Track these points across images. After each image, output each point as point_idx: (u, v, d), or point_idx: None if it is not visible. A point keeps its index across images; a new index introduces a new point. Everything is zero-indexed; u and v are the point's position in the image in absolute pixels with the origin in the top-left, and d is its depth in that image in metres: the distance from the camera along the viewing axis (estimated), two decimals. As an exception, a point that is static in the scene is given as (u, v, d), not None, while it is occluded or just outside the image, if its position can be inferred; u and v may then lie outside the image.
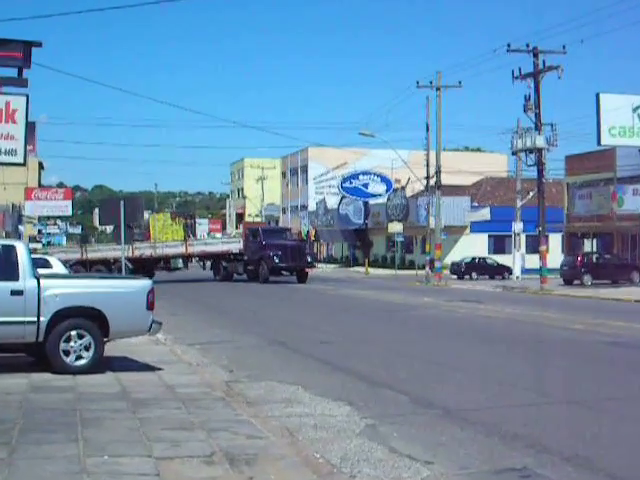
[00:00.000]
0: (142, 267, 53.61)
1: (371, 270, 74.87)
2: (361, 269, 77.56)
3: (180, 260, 66.58)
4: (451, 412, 12.02)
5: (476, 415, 11.80)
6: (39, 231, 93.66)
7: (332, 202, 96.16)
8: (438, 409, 12.28)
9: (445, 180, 58.69)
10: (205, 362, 17.15)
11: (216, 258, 60.38)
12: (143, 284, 15.35)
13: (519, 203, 58.84)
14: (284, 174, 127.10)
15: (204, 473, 8.44)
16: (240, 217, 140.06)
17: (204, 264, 65.82)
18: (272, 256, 53.76)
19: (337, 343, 21.32)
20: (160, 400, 12.32)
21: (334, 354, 18.96)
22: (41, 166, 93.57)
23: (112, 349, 16.10)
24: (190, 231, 63.86)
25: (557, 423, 11.35)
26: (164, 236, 60.30)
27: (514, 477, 8.67)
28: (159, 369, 15.53)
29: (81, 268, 53.94)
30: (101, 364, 14.86)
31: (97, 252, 58.59)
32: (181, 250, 59.27)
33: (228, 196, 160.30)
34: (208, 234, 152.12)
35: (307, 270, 56.67)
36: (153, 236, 60.96)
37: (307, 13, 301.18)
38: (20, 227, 76.27)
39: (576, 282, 51.04)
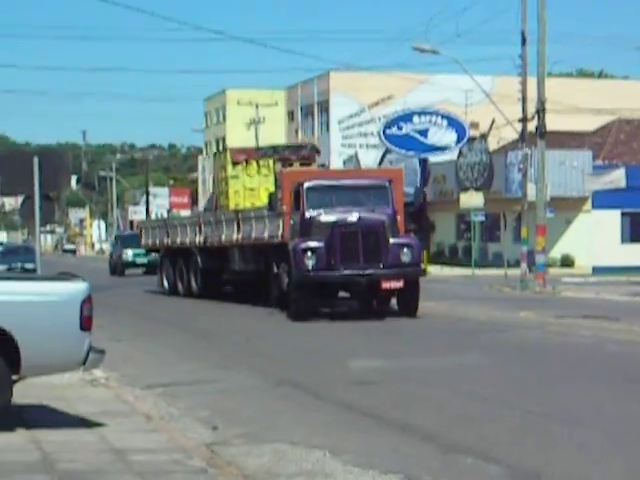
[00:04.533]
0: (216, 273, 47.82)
1: (433, 269, 73.91)
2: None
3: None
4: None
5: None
6: None
7: (369, 159, 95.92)
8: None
9: (552, 124, 58.55)
10: (174, 414, 17.25)
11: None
12: (74, 289, 15.36)
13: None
14: (291, 114, 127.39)
15: None
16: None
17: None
18: (306, 251, 35.15)
19: (383, 383, 21.36)
20: (105, 474, 12.38)
21: (379, 400, 19.03)
22: None
23: (26, 392, 16.16)
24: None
25: None
26: (244, 200, 46.62)
27: None
28: (100, 424, 15.64)
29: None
30: (9, 416, 14.94)
31: None
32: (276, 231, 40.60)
33: (201, 151, 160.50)
34: (169, 212, 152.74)
35: (399, 284, 35.55)
36: (222, 201, 49.11)
37: None
38: None
39: None
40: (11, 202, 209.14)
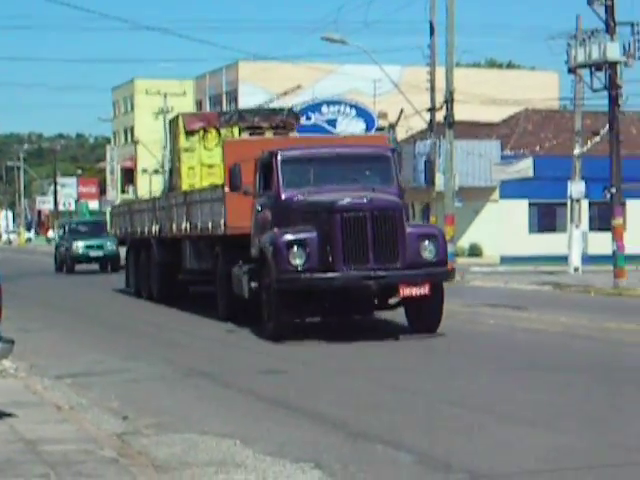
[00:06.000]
0: (170, 267, 38.03)
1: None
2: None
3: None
4: (484, 477, 12.17)
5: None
6: None
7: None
8: (461, 473, 12.43)
9: (460, 114, 58.90)
10: (83, 404, 17.21)
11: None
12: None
13: (578, 150, 59.24)
14: (199, 103, 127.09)
15: None
16: (129, 175, 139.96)
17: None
18: (292, 245, 25.19)
19: (290, 372, 21.45)
20: (15, 464, 12.32)
21: (289, 389, 19.10)
22: None
23: None
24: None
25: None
26: (201, 179, 36.95)
27: None
28: (10, 415, 15.58)
29: None
30: None
31: None
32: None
33: (109, 141, 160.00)
34: (76, 202, 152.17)
35: (423, 290, 25.22)
36: (175, 181, 39.63)
37: None
38: None
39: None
40: None
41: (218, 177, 33.91)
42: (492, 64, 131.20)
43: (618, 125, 48.83)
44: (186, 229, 33.58)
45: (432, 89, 58.85)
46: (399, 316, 27.73)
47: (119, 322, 33.32)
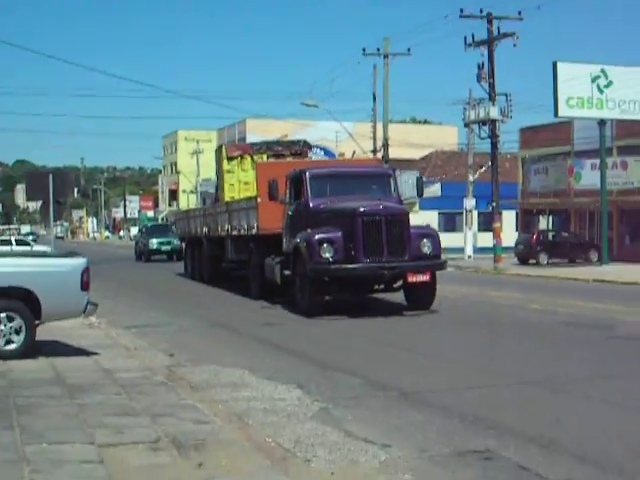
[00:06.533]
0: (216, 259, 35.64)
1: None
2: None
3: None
4: (406, 394, 12.20)
5: (432, 397, 11.99)
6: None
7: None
8: (393, 391, 12.45)
9: (393, 154, 58.98)
10: (143, 346, 17.17)
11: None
12: (77, 262, 15.29)
13: (471, 178, 59.41)
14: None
15: (151, 459, 8.49)
16: (173, 194, 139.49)
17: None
18: (322, 242, 22.98)
19: (281, 325, 21.45)
20: (98, 385, 12.33)
21: (280, 336, 19.10)
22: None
23: (44, 333, 16.03)
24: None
25: (517, 404, 11.56)
26: (238, 193, 34.56)
27: (477, 459, 8.83)
28: (95, 353, 15.53)
29: None
30: (33, 348, 14.82)
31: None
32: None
33: (160, 171, 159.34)
34: (138, 212, 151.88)
35: (425, 277, 23.49)
36: (220, 194, 36.44)
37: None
38: None
39: (532, 261, 51.69)
40: (33, 205, 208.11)
41: (251, 191, 31.73)
42: (414, 120, 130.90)
43: (497, 161, 49.05)
44: (228, 230, 31.81)
45: (374, 138, 58.94)
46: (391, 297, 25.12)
47: (171, 293, 32.81)
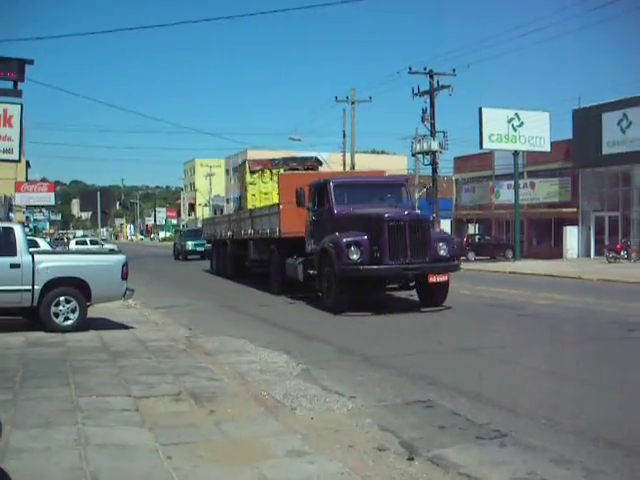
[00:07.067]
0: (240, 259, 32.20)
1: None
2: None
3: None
4: (368, 358, 12.20)
5: (388, 360, 11.99)
6: (27, 218, 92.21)
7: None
8: (358, 356, 12.45)
9: (358, 177, 58.98)
10: (169, 322, 17.11)
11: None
12: (119, 258, 15.26)
13: (417, 195, 59.34)
14: (227, 171, 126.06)
15: (174, 408, 8.51)
16: (192, 206, 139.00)
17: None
18: (350, 245, 19.60)
19: (273, 306, 21.38)
20: (134, 352, 12.30)
21: (273, 314, 19.06)
22: (28, 164, 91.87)
23: (93, 312, 15.95)
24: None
25: (452, 366, 11.58)
26: (259, 202, 31.41)
27: (420, 407, 8.86)
28: (132, 327, 15.48)
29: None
30: (85, 324, 14.76)
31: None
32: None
33: (182, 189, 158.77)
34: (165, 220, 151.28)
35: (444, 277, 19.98)
36: (243, 203, 33.54)
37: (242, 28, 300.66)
38: (11, 214, 75.65)
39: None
40: (85, 215, 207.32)
41: (270, 200, 29.37)
42: (374, 151, 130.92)
43: (437, 182, 49.11)
44: (251, 233, 28.71)
45: (344, 165, 58.81)
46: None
47: (193, 283, 32.04)
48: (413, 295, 21.11)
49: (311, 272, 21.23)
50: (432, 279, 19.32)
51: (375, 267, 18.84)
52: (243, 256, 31.39)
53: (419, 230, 19.37)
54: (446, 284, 19.85)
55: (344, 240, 19.18)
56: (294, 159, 32.55)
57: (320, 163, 32.37)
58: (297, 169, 30.45)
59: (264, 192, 31.44)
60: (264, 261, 27.67)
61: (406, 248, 18.99)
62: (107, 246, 61.46)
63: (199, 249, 54.17)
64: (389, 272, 19.10)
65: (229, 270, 33.52)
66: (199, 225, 67.74)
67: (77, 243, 64.08)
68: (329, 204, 21.20)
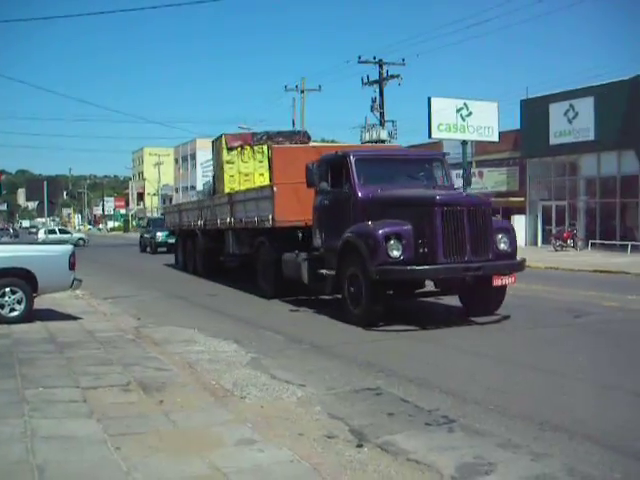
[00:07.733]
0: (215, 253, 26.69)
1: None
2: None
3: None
4: (317, 347, 12.25)
5: (336, 349, 12.06)
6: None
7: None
8: (307, 345, 12.50)
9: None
10: (117, 312, 16.95)
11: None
12: (66, 248, 15.10)
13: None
14: (177, 160, 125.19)
15: (123, 398, 8.48)
16: (140, 196, 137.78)
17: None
18: (389, 238, 14.12)
19: (222, 295, 21.26)
20: (82, 343, 12.21)
21: (223, 304, 18.99)
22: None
23: (40, 302, 15.78)
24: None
25: (400, 354, 11.67)
26: (239, 185, 25.76)
27: (370, 395, 8.93)
28: (80, 318, 15.34)
29: None
30: (31, 315, 14.59)
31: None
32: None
33: (130, 178, 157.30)
34: (113, 209, 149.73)
35: (511, 279, 14.65)
36: (219, 186, 27.30)
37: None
38: (-45, 205, 75.35)
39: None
40: (32, 204, 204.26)
41: (252, 182, 24.85)
42: (323, 140, 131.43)
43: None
44: (230, 222, 23.46)
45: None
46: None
47: (145, 275, 31.13)
48: (442, 299, 17.26)
49: (324, 272, 16.37)
50: (497, 282, 14.54)
51: (427, 267, 13.81)
52: (218, 249, 26.24)
53: (480, 218, 14.35)
54: (504, 287, 15.07)
55: (380, 231, 14.21)
56: (280, 133, 26.97)
57: (309, 138, 27.08)
58: (283, 145, 24.68)
59: (244, 173, 26.01)
60: (246, 256, 22.98)
61: (464, 242, 14.08)
62: (76, 235, 67.56)
63: (171, 241, 45.19)
64: (445, 273, 14.16)
65: (200, 266, 28.35)
66: (148, 215, 66.37)
67: (47, 232, 65.85)
68: (350, 184, 15.99)
